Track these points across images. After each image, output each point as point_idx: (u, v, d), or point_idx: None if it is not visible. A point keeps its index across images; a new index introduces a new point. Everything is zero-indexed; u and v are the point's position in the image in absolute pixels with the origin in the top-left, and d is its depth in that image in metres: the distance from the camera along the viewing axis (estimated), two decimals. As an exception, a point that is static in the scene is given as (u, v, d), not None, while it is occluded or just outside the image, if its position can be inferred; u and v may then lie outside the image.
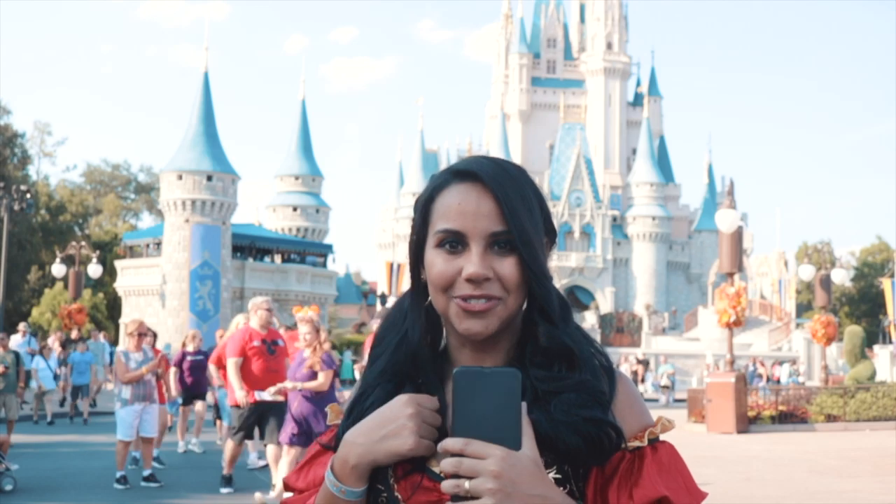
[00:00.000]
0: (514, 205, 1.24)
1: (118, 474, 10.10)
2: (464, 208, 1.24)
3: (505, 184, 1.25)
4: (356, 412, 1.30)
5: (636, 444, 1.25)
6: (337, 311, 67.87)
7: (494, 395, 1.09)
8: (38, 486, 10.17)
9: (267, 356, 9.07)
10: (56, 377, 19.48)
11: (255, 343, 9.00)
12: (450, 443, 1.09)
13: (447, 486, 1.09)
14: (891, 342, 37.56)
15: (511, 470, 1.07)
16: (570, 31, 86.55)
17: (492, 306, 1.22)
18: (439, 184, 1.29)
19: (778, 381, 35.42)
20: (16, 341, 18.92)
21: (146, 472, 10.20)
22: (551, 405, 1.20)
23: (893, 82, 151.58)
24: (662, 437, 1.29)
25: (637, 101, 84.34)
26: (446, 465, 1.09)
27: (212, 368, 11.35)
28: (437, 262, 1.25)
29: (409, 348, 1.30)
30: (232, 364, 9.06)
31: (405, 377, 1.30)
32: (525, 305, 1.29)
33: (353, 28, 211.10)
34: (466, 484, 1.07)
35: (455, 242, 1.24)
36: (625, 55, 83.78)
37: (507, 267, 1.23)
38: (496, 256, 1.23)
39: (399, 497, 1.24)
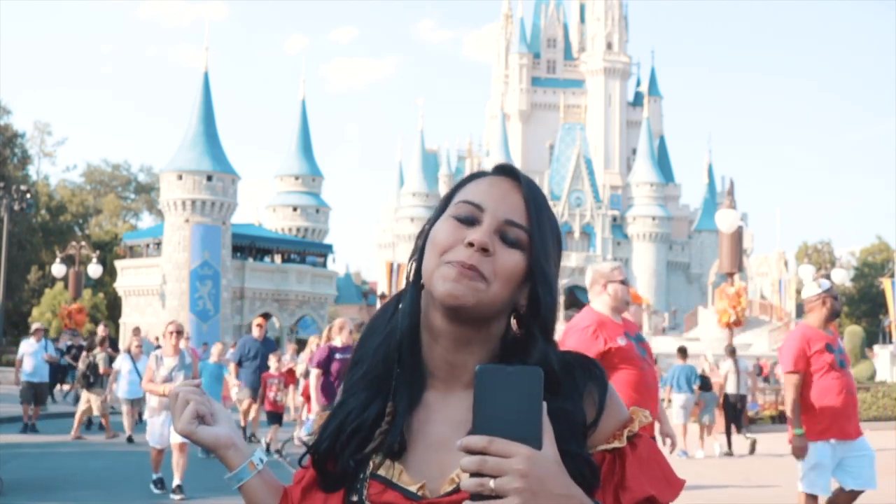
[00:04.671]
0: (541, 212, 1.26)
1: (154, 476, 9.75)
2: (491, 191, 1.26)
3: (538, 194, 1.28)
4: (336, 420, 1.30)
5: (615, 444, 1.25)
6: (337, 311, 67.81)
7: (516, 393, 1.06)
8: (38, 486, 10.16)
9: (640, 360, 5.44)
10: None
11: (621, 342, 5.40)
12: (472, 440, 1.05)
13: (469, 484, 1.05)
14: (891, 342, 37.55)
15: (537, 469, 1.05)
16: (570, 31, 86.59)
17: (476, 277, 1.20)
18: (475, 174, 1.32)
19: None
20: (29, 347, 16.65)
21: (177, 483, 9.42)
22: None
23: (893, 82, 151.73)
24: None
25: (637, 101, 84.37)
26: (468, 463, 1.05)
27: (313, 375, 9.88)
28: (444, 228, 1.25)
29: (397, 338, 1.27)
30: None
31: (382, 381, 1.28)
32: (514, 322, 1.29)
33: (353, 28, 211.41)
34: (491, 482, 1.04)
35: (469, 218, 1.24)
36: (625, 55, 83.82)
37: (508, 256, 1.22)
38: (502, 245, 1.23)
39: None
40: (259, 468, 1.35)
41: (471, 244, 1.21)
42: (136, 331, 14.67)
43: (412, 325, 1.28)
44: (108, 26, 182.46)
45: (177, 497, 9.33)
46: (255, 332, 14.73)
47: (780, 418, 19.56)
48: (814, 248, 56.25)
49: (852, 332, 25.58)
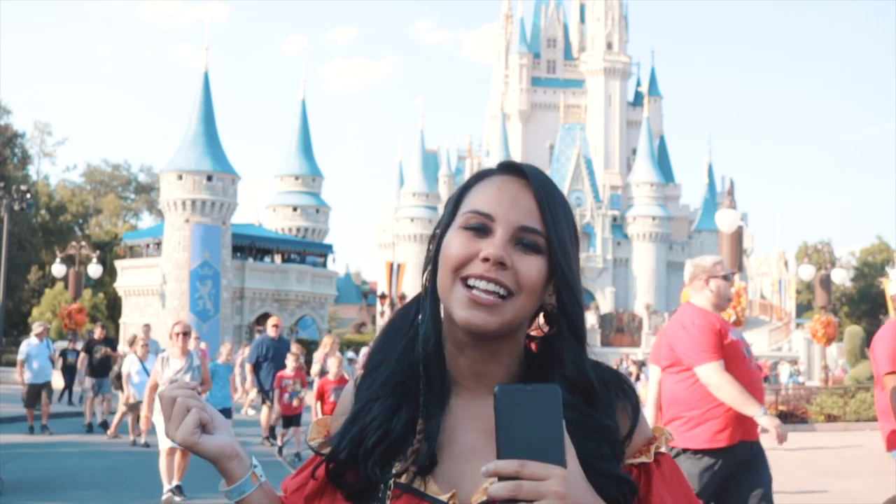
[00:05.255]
0: (555, 209, 1.21)
1: (165, 487, 9.09)
2: (500, 196, 1.20)
3: (550, 189, 1.22)
4: (357, 427, 1.25)
5: (642, 459, 1.24)
6: (337, 311, 67.89)
7: (537, 412, 1.03)
8: (38, 486, 10.15)
9: (747, 358, 5.09)
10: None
11: (733, 336, 5.04)
12: (502, 465, 1.00)
13: None
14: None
15: (573, 490, 1.01)
16: (570, 31, 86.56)
17: (498, 302, 1.16)
18: (481, 174, 1.26)
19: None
20: (33, 347, 15.82)
21: (175, 484, 9.12)
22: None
23: (893, 82, 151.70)
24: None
25: (637, 101, 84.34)
26: (500, 489, 1.00)
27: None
28: (455, 241, 1.20)
29: (421, 354, 1.23)
30: (714, 371, 4.84)
31: (407, 390, 1.24)
32: (544, 325, 1.25)
33: (352, 28, 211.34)
34: None
35: (481, 228, 1.19)
36: (625, 55, 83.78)
37: (528, 264, 1.18)
38: (519, 253, 1.18)
39: None
40: (262, 480, 1.27)
41: (486, 259, 1.16)
42: (146, 329, 14.44)
43: (440, 331, 1.24)
44: (107, 27, 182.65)
45: (177, 498, 9.12)
46: (271, 332, 14.22)
47: (779, 418, 19.56)
48: (814, 248, 56.13)
49: (852, 332, 25.61)
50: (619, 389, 1.25)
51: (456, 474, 1.20)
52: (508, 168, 1.25)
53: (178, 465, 9.16)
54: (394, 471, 1.20)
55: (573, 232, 1.24)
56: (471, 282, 1.17)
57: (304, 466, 1.35)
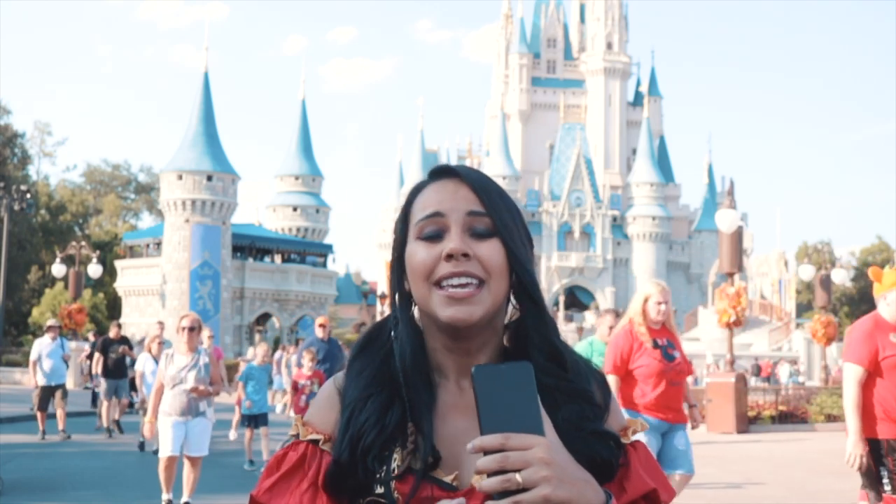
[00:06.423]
0: (491, 195, 1.28)
1: (164, 498, 8.54)
2: (442, 195, 1.28)
3: (482, 180, 1.30)
4: (353, 429, 1.26)
5: (621, 440, 1.30)
6: (337, 311, 67.85)
7: (513, 388, 1.09)
8: (38, 486, 10.16)
9: None
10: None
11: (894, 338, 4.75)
12: (487, 440, 1.05)
13: (494, 483, 1.03)
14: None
15: (558, 457, 1.06)
16: (570, 31, 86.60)
17: (474, 293, 1.22)
18: (417, 187, 1.34)
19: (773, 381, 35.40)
20: (45, 346, 15.17)
21: (185, 500, 8.52)
22: (559, 416, 1.21)
23: (893, 82, 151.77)
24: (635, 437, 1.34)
25: (637, 101, 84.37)
26: (488, 462, 1.04)
27: None
28: (418, 252, 1.26)
29: (399, 368, 1.28)
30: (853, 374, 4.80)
31: (393, 384, 1.28)
32: (514, 312, 1.30)
33: (352, 28, 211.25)
34: (518, 476, 1.03)
35: (435, 233, 1.26)
36: (625, 55, 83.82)
37: (486, 248, 1.24)
38: (475, 241, 1.25)
39: None
40: None
41: (449, 255, 1.23)
42: (160, 326, 14.18)
43: (416, 350, 1.29)
44: (107, 27, 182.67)
45: None
46: (319, 333, 13.20)
47: (779, 418, 19.58)
48: (814, 248, 56.24)
49: (852, 332, 25.67)
50: (588, 367, 1.33)
51: (454, 457, 1.24)
52: (440, 172, 1.32)
53: (188, 480, 8.56)
54: (395, 463, 1.23)
55: (516, 215, 1.30)
56: (444, 283, 1.23)
57: (281, 476, 1.30)
